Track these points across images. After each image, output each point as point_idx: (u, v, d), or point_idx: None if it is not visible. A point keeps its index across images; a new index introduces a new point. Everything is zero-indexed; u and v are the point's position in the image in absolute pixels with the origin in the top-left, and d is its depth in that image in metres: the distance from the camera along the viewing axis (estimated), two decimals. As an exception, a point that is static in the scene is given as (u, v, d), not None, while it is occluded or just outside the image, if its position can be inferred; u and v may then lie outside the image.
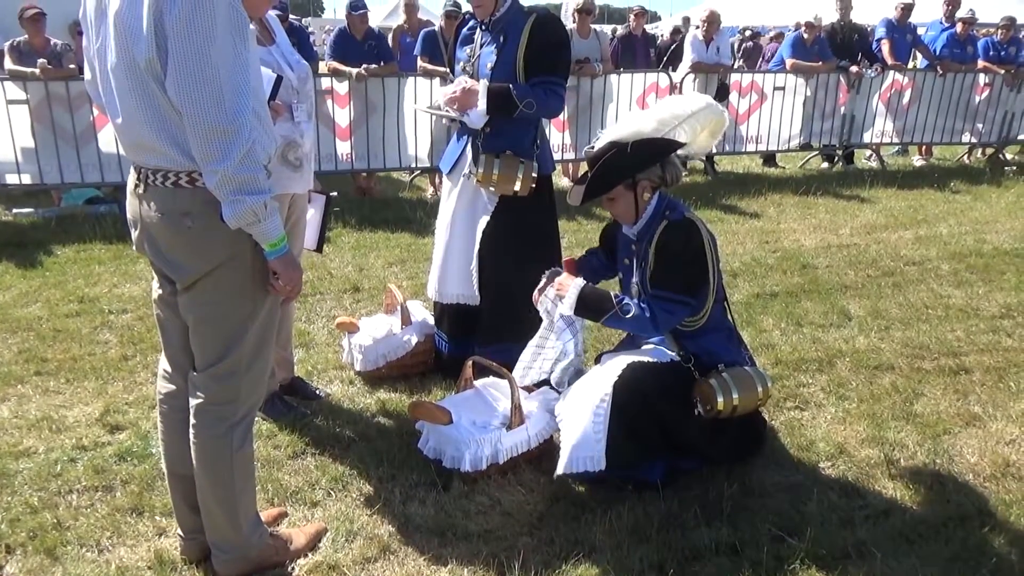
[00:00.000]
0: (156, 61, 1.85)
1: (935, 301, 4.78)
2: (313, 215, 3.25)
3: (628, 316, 2.73)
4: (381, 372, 3.66)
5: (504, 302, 3.42)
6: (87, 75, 2.12)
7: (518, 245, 3.39)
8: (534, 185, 3.34)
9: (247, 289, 2.12)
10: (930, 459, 3.03)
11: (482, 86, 3.22)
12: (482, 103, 3.21)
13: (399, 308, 3.76)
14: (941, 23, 9.76)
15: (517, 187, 3.31)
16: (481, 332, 3.56)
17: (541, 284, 2.94)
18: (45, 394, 3.55)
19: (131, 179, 2.11)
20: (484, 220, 3.42)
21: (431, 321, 3.80)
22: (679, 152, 2.86)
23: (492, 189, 3.35)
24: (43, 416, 3.32)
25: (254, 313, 2.15)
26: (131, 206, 2.13)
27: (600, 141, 2.84)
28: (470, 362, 3.14)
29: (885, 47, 9.10)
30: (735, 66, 10.71)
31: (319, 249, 3.34)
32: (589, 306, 2.79)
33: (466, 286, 3.53)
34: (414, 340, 3.69)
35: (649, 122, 2.78)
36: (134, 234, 2.16)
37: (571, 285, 2.81)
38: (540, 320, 2.96)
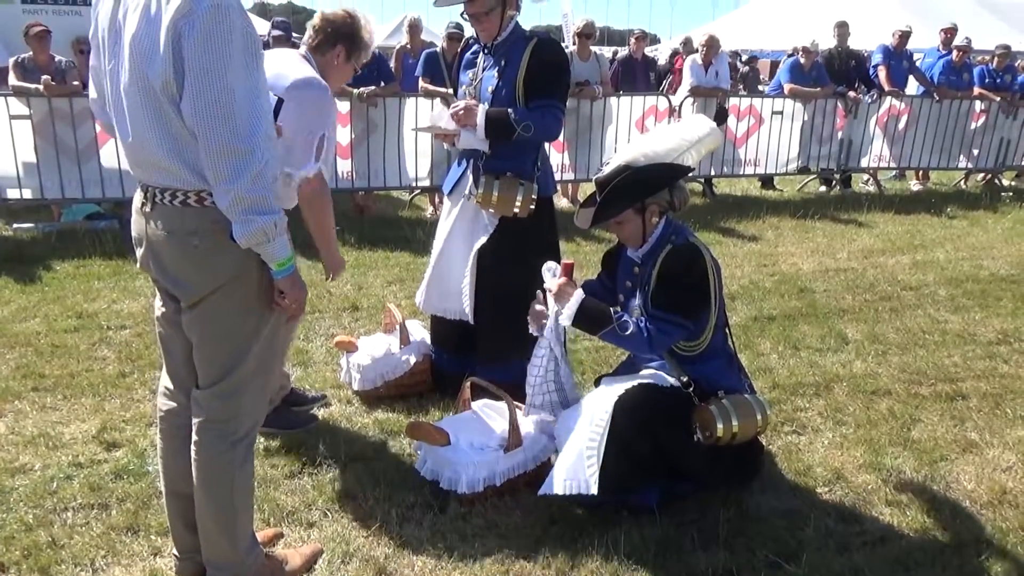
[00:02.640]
0: (172, 83, 1.87)
1: (932, 326, 4.80)
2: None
3: (626, 334, 2.73)
4: (379, 392, 3.66)
5: (504, 321, 3.42)
6: (92, 93, 2.15)
7: (518, 265, 3.41)
8: (533, 206, 3.37)
9: (252, 307, 2.13)
10: (927, 485, 3.04)
11: (481, 110, 3.26)
12: (480, 123, 3.25)
13: (398, 328, 3.76)
14: (938, 51, 9.86)
15: (517, 208, 3.34)
16: (481, 351, 3.57)
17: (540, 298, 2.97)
18: (42, 410, 3.55)
19: (137, 198, 2.13)
20: (482, 239, 3.45)
21: (429, 341, 3.81)
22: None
23: (492, 210, 3.38)
24: (40, 432, 3.31)
25: (258, 330, 2.16)
26: (137, 224, 2.15)
27: (610, 165, 2.85)
28: (468, 383, 3.15)
29: (882, 73, 9.19)
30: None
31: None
32: (588, 318, 2.78)
33: (455, 301, 3.55)
34: (412, 360, 3.69)
35: (659, 146, 2.81)
36: (139, 252, 2.17)
37: (572, 296, 2.79)
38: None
